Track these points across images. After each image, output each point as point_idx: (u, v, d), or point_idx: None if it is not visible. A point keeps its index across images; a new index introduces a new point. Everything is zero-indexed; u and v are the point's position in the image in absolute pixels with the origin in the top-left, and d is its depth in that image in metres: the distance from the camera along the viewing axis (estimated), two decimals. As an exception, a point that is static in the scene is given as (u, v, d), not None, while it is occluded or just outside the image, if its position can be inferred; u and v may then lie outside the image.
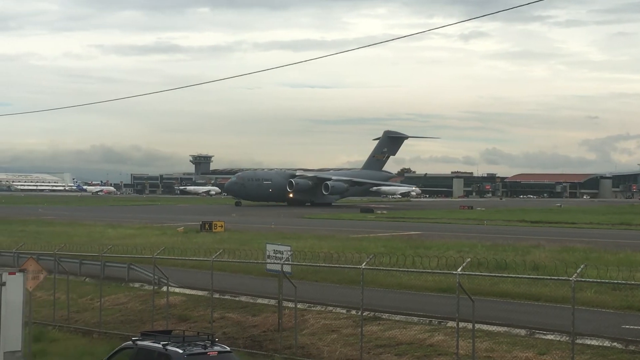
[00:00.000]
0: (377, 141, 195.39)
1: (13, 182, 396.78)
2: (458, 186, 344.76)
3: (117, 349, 19.42)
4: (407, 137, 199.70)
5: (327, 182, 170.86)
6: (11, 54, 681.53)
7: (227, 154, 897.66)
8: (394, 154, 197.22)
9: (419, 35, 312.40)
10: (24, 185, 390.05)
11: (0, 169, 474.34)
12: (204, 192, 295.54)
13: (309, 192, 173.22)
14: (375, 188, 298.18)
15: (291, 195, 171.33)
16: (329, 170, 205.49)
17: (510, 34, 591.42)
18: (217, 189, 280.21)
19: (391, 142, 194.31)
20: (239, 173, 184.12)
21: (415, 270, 28.03)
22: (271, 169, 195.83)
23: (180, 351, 17.23)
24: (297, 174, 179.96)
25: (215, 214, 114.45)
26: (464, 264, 22.56)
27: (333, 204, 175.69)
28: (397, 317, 29.55)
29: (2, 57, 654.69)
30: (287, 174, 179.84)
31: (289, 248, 28.99)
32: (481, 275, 28.37)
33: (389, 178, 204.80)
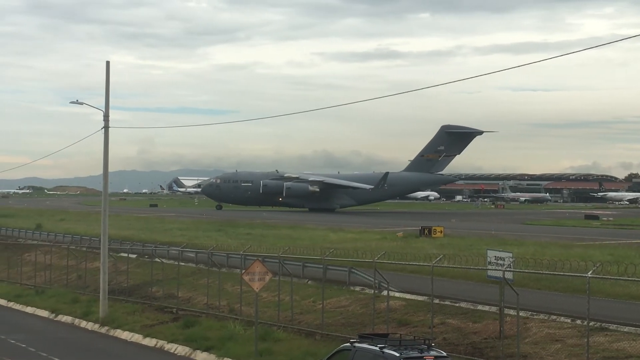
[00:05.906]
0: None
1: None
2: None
3: (335, 350, 19.86)
4: (480, 133, 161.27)
5: (285, 183, 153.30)
6: (240, 64, 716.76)
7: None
8: (456, 154, 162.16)
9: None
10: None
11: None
12: (423, 196, 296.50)
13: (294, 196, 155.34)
14: (600, 194, 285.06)
15: (281, 199, 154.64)
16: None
17: None
18: (435, 194, 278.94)
19: (451, 139, 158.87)
20: (221, 174, 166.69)
21: (645, 280, 26.62)
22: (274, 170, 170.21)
23: (397, 354, 17.37)
24: (285, 175, 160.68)
25: (431, 219, 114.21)
26: (701, 275, 21.21)
27: (337, 210, 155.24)
28: (626, 329, 28.27)
29: (232, 66, 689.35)
30: (274, 176, 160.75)
31: (510, 254, 28.48)
32: None
33: (435, 182, 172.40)
